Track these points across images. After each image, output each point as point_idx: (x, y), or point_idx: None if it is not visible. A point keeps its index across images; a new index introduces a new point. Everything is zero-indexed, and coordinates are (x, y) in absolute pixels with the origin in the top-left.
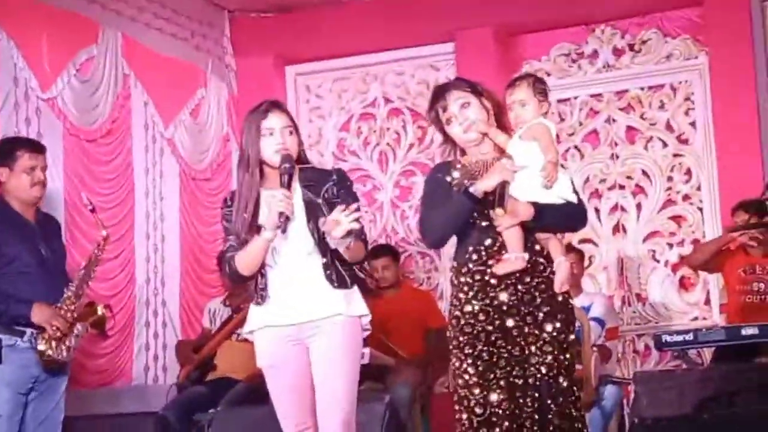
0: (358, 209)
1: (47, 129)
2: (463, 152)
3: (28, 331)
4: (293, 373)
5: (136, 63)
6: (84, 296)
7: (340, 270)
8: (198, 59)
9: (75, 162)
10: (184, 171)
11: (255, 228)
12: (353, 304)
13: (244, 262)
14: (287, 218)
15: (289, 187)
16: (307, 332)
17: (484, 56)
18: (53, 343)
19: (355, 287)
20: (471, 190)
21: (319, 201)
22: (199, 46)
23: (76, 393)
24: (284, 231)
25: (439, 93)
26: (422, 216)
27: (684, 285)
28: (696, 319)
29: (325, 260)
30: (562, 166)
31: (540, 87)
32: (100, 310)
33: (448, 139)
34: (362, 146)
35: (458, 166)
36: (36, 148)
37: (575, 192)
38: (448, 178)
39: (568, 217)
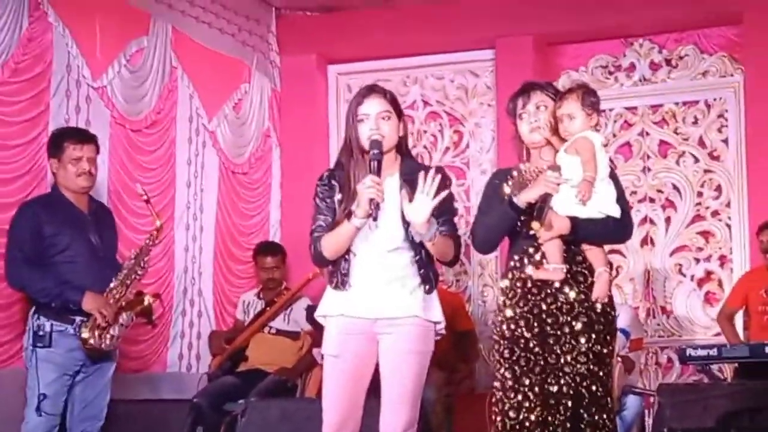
0: (445, 185)
1: (95, 117)
2: (529, 153)
3: (77, 319)
4: (355, 365)
5: (184, 56)
6: (133, 286)
7: (425, 271)
8: (243, 54)
9: (120, 151)
10: (224, 164)
11: (348, 213)
12: (431, 309)
13: (330, 245)
14: (377, 205)
15: (379, 173)
16: (380, 328)
17: (523, 64)
18: (96, 332)
19: (435, 293)
20: (514, 200)
21: None
22: (245, 41)
23: (115, 377)
24: (375, 218)
25: (525, 89)
26: (474, 220)
27: (709, 300)
28: (719, 334)
29: (417, 258)
30: (613, 175)
31: (589, 100)
32: (147, 300)
33: (517, 134)
34: None
35: (514, 173)
36: (82, 138)
37: (623, 203)
38: (504, 184)
39: (606, 232)
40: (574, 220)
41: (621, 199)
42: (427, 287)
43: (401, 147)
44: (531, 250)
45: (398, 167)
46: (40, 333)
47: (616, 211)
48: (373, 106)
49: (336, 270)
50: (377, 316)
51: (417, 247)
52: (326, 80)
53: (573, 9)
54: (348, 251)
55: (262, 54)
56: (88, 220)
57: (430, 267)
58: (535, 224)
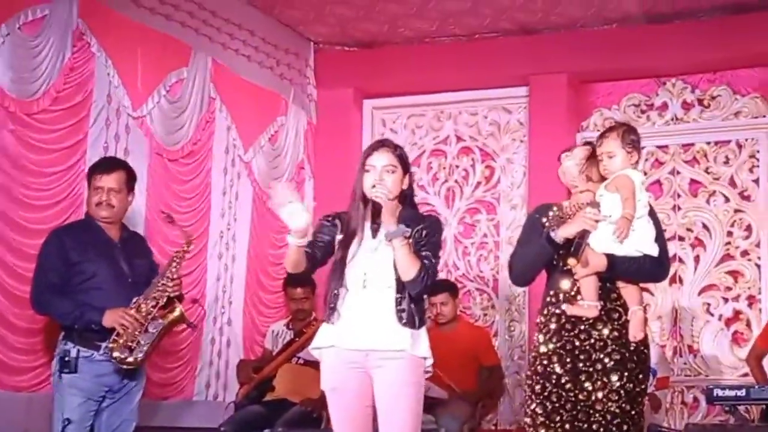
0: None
1: (134, 146)
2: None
3: (104, 344)
4: (354, 398)
5: (223, 88)
6: (161, 299)
7: (411, 308)
8: (281, 87)
9: (157, 180)
10: (257, 194)
11: (344, 246)
12: (418, 345)
13: (288, 260)
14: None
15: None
16: (372, 362)
17: (556, 101)
18: (120, 342)
19: (423, 330)
20: (552, 235)
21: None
22: (283, 75)
23: (142, 403)
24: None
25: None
26: (512, 252)
27: (736, 340)
28: (746, 375)
29: (398, 295)
30: (653, 214)
31: (629, 138)
32: (178, 310)
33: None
34: (431, 181)
35: (555, 209)
36: (104, 168)
37: (661, 242)
38: (544, 219)
39: (642, 270)
40: (610, 257)
41: (659, 239)
42: (413, 324)
43: (404, 198)
44: (566, 285)
45: (398, 215)
46: (66, 359)
47: (653, 250)
48: (380, 159)
49: (327, 304)
50: (367, 347)
51: (403, 287)
52: (361, 114)
53: (606, 48)
54: (341, 285)
55: (300, 87)
56: (117, 247)
57: (416, 306)
58: (571, 260)
